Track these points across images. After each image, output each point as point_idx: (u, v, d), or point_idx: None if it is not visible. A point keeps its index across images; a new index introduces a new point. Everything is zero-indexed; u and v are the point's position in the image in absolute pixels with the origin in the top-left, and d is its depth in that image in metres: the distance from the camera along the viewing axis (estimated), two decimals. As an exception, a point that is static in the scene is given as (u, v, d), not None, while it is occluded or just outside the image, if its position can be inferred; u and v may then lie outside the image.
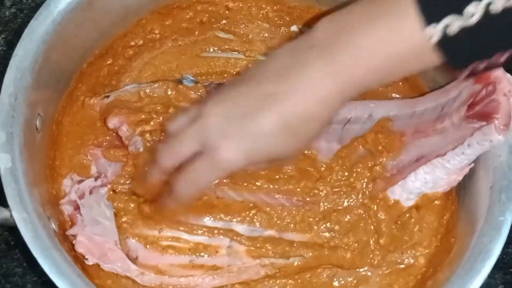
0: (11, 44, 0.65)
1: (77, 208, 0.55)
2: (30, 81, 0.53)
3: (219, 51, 0.65)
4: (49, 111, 0.56)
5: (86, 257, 0.53)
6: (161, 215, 0.56)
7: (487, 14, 0.42)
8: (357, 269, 0.58)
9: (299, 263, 0.58)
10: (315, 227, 0.59)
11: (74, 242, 0.53)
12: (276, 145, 0.48)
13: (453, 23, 0.42)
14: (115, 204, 0.56)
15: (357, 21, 0.46)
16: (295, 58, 0.47)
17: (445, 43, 0.43)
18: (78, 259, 0.53)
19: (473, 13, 0.42)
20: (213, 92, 0.57)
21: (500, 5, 0.42)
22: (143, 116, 0.58)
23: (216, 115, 0.48)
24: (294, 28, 0.65)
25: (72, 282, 0.47)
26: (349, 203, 0.59)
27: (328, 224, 0.59)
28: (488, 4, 0.42)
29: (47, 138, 0.56)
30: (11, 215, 0.48)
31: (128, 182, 0.58)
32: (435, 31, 0.43)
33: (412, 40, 0.44)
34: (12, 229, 0.58)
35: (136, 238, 0.56)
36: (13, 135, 0.50)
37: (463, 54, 0.44)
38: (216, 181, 0.52)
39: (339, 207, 0.59)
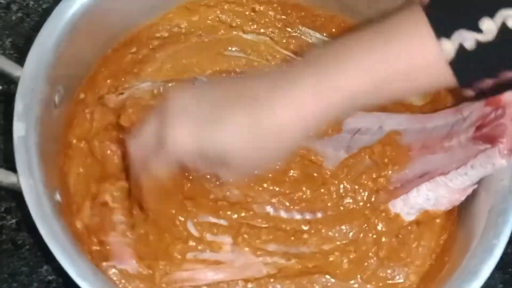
0: (18, 48, 0.65)
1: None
2: (53, 60, 0.54)
3: (241, 52, 0.66)
4: (69, 90, 0.58)
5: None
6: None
7: (503, 29, 0.40)
8: (348, 281, 0.58)
9: (299, 266, 0.58)
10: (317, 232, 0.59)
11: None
12: (233, 147, 0.45)
13: (466, 38, 0.40)
14: None
15: (358, 40, 0.43)
16: (288, 73, 0.45)
17: (457, 59, 0.41)
18: (79, 237, 0.54)
19: (488, 28, 0.40)
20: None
21: None
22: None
23: (186, 98, 0.46)
24: (317, 35, 0.66)
25: (66, 251, 0.48)
26: (350, 212, 0.59)
27: (329, 231, 0.59)
28: (504, 20, 0.40)
29: (64, 115, 0.57)
30: (18, 180, 0.50)
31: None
32: (448, 46, 0.41)
33: (422, 55, 0.42)
34: (18, 228, 0.60)
35: (141, 231, 0.56)
36: (30, 106, 0.52)
37: (472, 70, 0.42)
38: (169, 168, 0.48)
39: (340, 215, 0.59)
